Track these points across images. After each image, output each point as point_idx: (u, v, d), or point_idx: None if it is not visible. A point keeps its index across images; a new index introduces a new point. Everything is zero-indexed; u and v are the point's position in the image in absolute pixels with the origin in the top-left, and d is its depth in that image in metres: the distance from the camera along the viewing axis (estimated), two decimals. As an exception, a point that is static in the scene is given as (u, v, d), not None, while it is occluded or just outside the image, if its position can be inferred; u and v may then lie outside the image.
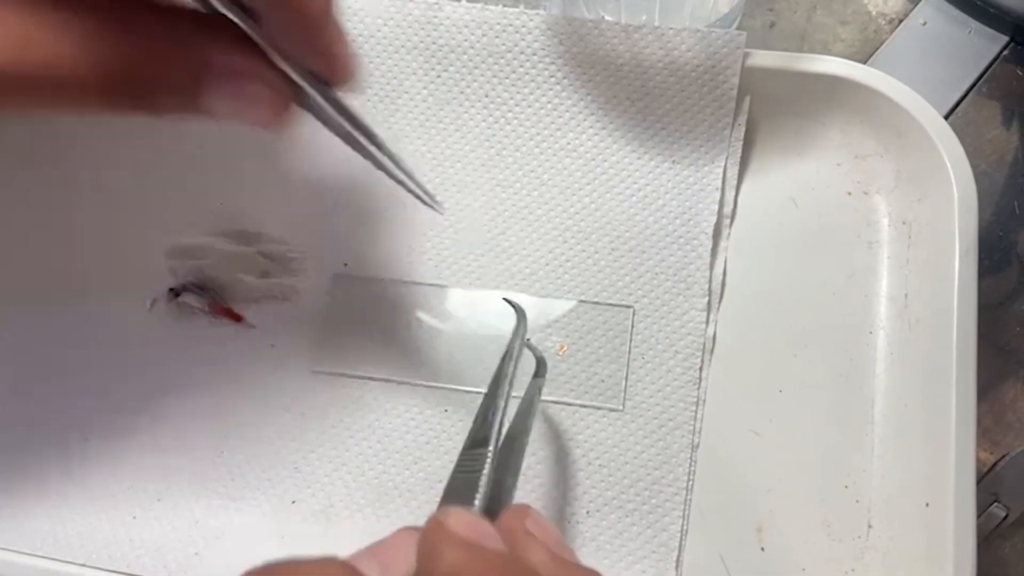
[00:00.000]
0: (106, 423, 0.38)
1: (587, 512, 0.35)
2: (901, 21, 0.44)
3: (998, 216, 0.41)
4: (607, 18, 0.40)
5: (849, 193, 0.39)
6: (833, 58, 0.38)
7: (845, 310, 0.37)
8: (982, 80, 0.43)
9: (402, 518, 0.36)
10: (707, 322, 0.37)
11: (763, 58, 0.38)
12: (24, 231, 0.41)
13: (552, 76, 0.40)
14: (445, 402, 0.37)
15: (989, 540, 0.36)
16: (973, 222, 0.35)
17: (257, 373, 0.38)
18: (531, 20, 0.39)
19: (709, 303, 0.37)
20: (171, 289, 0.40)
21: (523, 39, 0.39)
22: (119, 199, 0.41)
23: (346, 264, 0.39)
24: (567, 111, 0.40)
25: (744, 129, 0.39)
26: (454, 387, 0.37)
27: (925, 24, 0.44)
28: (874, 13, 0.44)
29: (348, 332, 0.38)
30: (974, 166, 0.36)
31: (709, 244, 0.38)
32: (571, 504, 0.35)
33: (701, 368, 0.36)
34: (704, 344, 0.37)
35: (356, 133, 0.28)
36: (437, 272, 0.39)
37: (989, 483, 0.37)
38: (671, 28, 0.38)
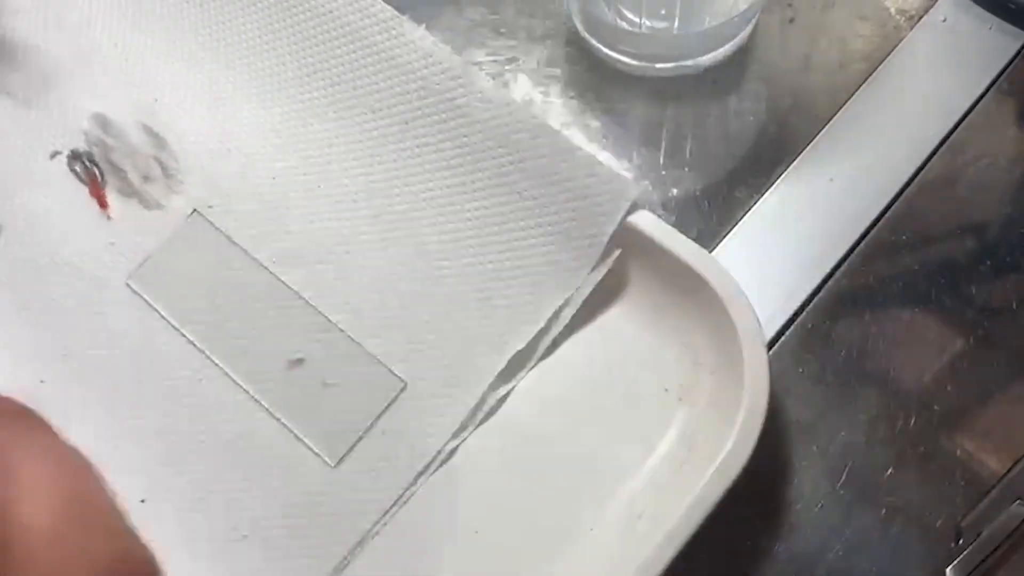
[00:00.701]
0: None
1: (245, 535, 0.36)
2: (920, 18, 0.43)
3: (1014, 212, 0.40)
4: (628, 14, 0.40)
5: (666, 390, 0.37)
6: (704, 252, 0.35)
7: (585, 493, 0.36)
8: (1002, 77, 0.42)
9: (108, 439, 0.37)
10: (455, 435, 0.37)
11: (646, 220, 0.36)
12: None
13: (465, 138, 0.39)
14: (203, 372, 0.38)
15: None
16: (719, 488, 0.33)
17: (83, 257, 0.40)
18: (470, 77, 0.38)
19: (468, 420, 0.37)
20: (72, 150, 0.43)
21: (457, 91, 0.39)
22: (84, 54, 0.44)
23: (211, 206, 0.41)
24: (465, 175, 0.39)
25: (601, 277, 0.37)
26: (218, 364, 0.38)
27: (945, 20, 0.43)
28: (893, 10, 0.43)
29: (176, 266, 0.40)
30: (993, 162, 0.38)
31: (503, 365, 0.37)
32: (238, 519, 0.36)
33: (422, 473, 0.36)
34: (439, 452, 0.36)
35: None
36: (273, 255, 0.40)
37: (1009, 488, 0.35)
38: (582, 150, 0.37)
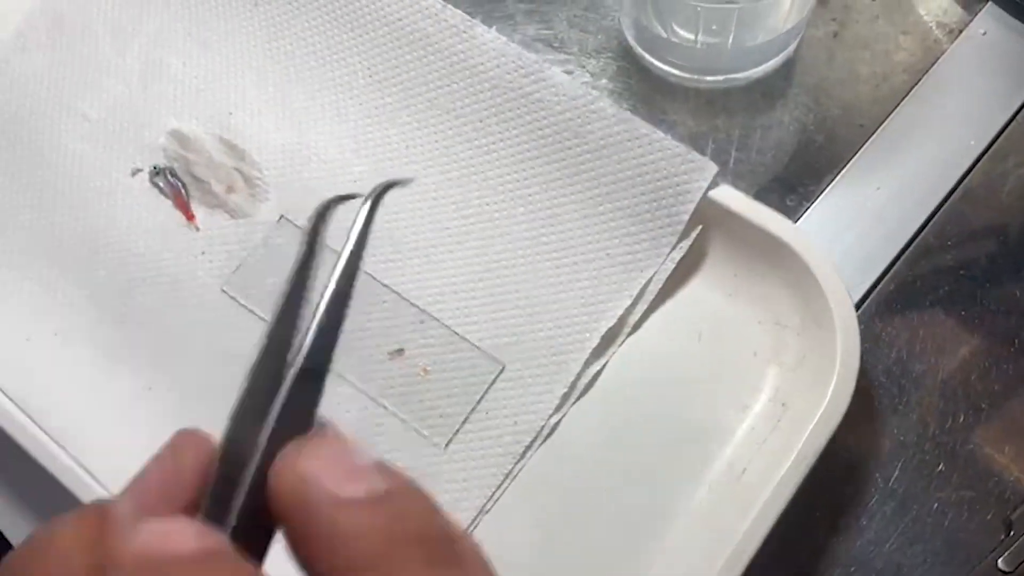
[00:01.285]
0: (64, 255, 0.43)
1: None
2: (961, 31, 0.45)
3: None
4: (681, 31, 0.42)
5: (755, 354, 0.39)
6: (786, 220, 0.38)
7: (688, 454, 0.38)
8: None
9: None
10: (557, 410, 0.38)
11: (726, 195, 0.38)
12: (65, 67, 0.46)
13: (540, 131, 0.41)
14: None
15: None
16: (823, 437, 0.35)
17: (177, 268, 0.42)
18: (543, 73, 0.40)
19: (568, 395, 0.39)
20: (155, 166, 0.44)
21: (531, 87, 0.41)
22: (153, 69, 0.46)
23: (297, 212, 0.43)
24: (540, 166, 0.41)
25: (683, 253, 0.39)
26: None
27: (985, 34, 0.44)
28: (934, 24, 0.45)
29: (268, 271, 0.42)
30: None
31: (596, 342, 0.39)
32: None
33: (529, 447, 0.38)
34: (542, 428, 0.38)
35: None
36: (365, 255, 0.41)
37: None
38: (658, 133, 0.39)
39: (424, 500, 0.19)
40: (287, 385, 0.20)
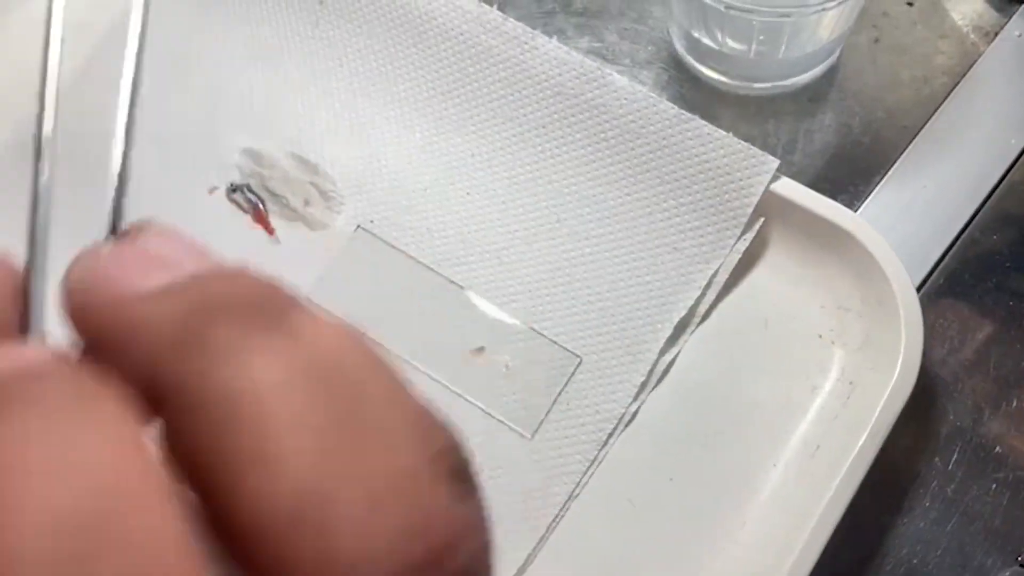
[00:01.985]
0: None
1: (461, 508, 0.40)
2: (997, 33, 0.47)
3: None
4: (732, 43, 0.44)
5: (820, 336, 0.41)
6: (845, 209, 0.40)
7: (762, 435, 0.40)
8: None
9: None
10: (635, 398, 0.41)
11: (788, 187, 0.41)
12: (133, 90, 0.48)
13: (603, 133, 0.43)
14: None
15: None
16: (894, 410, 0.37)
17: (263, 281, 0.44)
18: (605, 78, 0.43)
19: (645, 383, 0.41)
20: (231, 184, 0.46)
21: (592, 92, 0.43)
22: (218, 92, 0.48)
23: (372, 221, 0.45)
24: (603, 167, 0.43)
25: (748, 244, 0.41)
26: (408, 360, 0.42)
27: (1020, 36, 0.46)
28: (970, 28, 0.47)
29: (350, 279, 0.44)
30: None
31: (669, 332, 0.41)
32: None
33: (611, 434, 0.40)
34: (623, 415, 0.40)
35: None
36: (439, 258, 0.43)
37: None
38: (719, 132, 0.41)
39: (243, 275, 0.15)
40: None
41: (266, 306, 0.14)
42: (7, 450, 0.12)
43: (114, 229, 0.19)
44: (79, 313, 0.15)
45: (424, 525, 0.13)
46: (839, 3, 0.38)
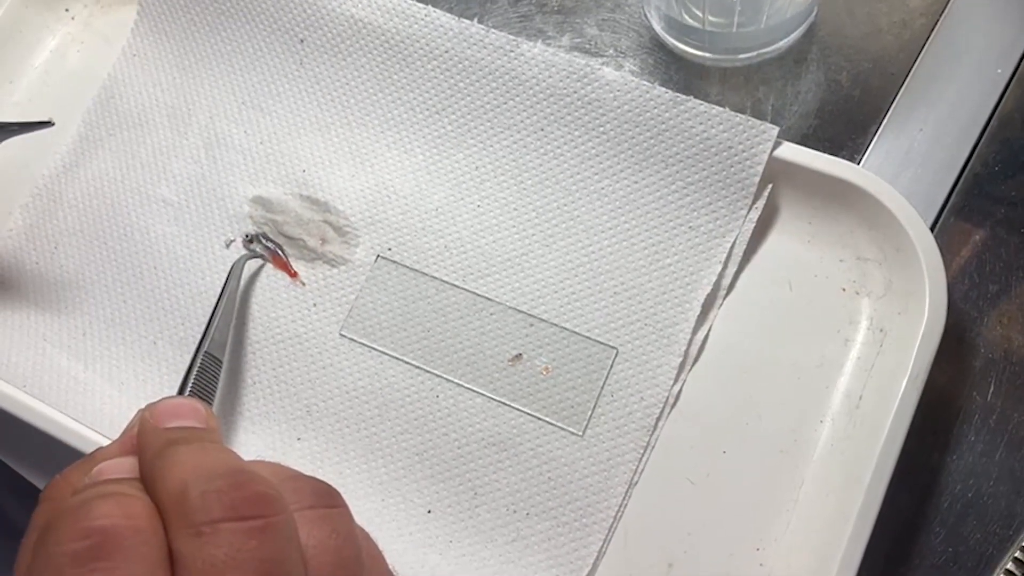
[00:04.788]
0: (170, 332, 0.46)
1: (527, 513, 0.41)
2: None
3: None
4: (714, 18, 0.45)
5: (843, 289, 0.42)
6: (850, 164, 0.41)
7: (804, 394, 0.41)
8: None
9: (378, 475, 0.42)
10: (676, 379, 0.41)
11: (790, 151, 0.41)
12: (134, 159, 0.49)
13: (601, 127, 0.44)
14: (438, 389, 0.43)
15: None
16: (930, 350, 0.38)
17: (294, 324, 0.45)
18: (595, 74, 0.43)
19: (683, 363, 0.42)
20: (247, 235, 0.47)
21: (584, 89, 0.44)
22: (217, 145, 0.48)
23: (390, 248, 0.45)
24: (607, 160, 0.44)
25: (760, 212, 0.42)
26: (449, 378, 0.43)
27: None
28: None
29: (379, 308, 0.45)
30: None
31: (698, 310, 0.42)
32: (515, 501, 0.41)
33: (659, 418, 0.41)
34: (667, 398, 0.41)
35: None
36: (462, 274, 0.44)
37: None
38: (716, 108, 0.42)
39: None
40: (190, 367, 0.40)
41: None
42: None
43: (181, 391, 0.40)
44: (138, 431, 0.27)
45: None
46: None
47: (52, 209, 0.49)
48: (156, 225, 0.48)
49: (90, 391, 0.45)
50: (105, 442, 0.43)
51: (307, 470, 0.42)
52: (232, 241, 0.47)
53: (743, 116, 0.41)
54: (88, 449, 0.42)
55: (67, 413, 0.44)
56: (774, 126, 0.41)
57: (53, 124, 0.45)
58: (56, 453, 0.43)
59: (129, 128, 0.50)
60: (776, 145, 0.41)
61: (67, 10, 0.54)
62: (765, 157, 0.41)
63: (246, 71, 0.49)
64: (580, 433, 0.41)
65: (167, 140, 0.49)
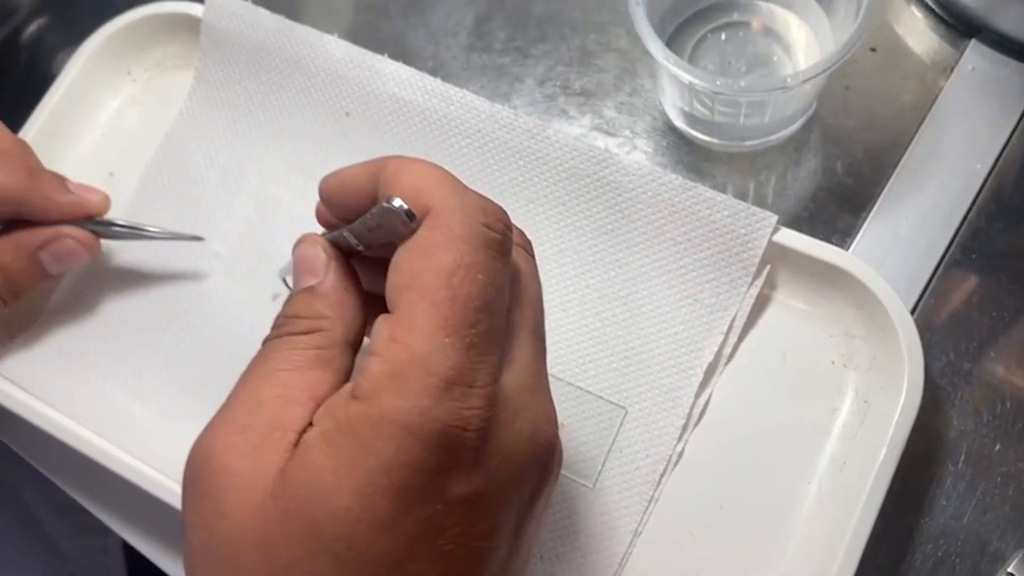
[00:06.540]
0: (221, 377, 0.50)
1: (540, 556, 0.45)
2: (953, 68, 0.52)
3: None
4: (723, 109, 0.49)
5: (832, 362, 0.46)
6: (840, 251, 0.45)
7: (794, 457, 0.45)
8: None
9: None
10: (679, 439, 0.46)
11: (787, 237, 0.46)
12: (188, 214, 0.53)
13: (617, 206, 0.48)
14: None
15: None
16: (908, 423, 0.42)
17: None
18: (613, 158, 0.48)
19: (686, 424, 0.46)
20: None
21: (603, 171, 0.48)
22: (266, 205, 0.53)
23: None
24: (621, 235, 0.48)
25: (759, 290, 0.47)
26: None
27: (973, 69, 0.52)
28: (929, 63, 0.52)
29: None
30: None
31: (701, 376, 0.46)
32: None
33: (663, 474, 0.46)
34: (671, 456, 0.46)
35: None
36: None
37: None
38: (721, 195, 0.46)
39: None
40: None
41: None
42: None
43: None
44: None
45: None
46: (817, 75, 0.43)
47: (113, 256, 0.53)
48: (208, 277, 0.53)
49: (145, 427, 0.50)
50: (155, 475, 0.47)
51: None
52: (278, 296, 0.52)
53: (745, 204, 0.46)
54: (137, 480, 0.47)
55: (122, 447, 0.48)
56: (773, 214, 0.46)
57: (203, 239, 0.52)
58: (104, 479, 0.48)
59: (185, 184, 0.55)
60: (775, 231, 0.46)
61: (129, 72, 0.59)
62: (765, 241, 0.46)
63: (295, 138, 0.54)
64: (591, 485, 0.46)
65: (219, 198, 0.54)
